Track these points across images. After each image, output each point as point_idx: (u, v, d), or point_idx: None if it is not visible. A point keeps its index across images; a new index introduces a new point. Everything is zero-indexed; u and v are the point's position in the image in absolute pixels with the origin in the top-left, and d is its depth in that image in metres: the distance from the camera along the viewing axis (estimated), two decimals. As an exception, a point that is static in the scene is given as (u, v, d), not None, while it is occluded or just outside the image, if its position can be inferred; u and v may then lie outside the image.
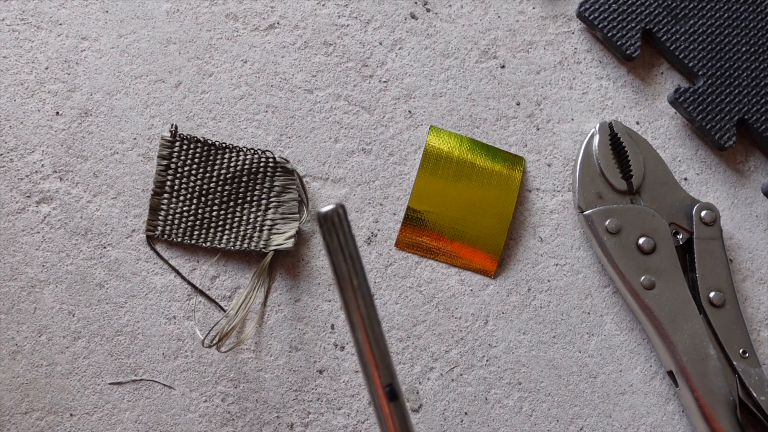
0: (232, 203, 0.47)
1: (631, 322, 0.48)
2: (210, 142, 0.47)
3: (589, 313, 0.48)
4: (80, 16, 0.49)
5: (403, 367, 0.47)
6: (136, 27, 0.49)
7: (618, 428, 0.47)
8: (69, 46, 0.49)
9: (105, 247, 0.47)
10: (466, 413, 0.47)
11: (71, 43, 0.49)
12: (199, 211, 0.47)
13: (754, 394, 0.45)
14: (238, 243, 0.47)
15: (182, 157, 0.47)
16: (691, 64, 0.49)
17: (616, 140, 0.48)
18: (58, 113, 0.48)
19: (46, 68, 0.48)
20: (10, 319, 0.46)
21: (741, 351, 0.46)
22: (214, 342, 0.44)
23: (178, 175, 0.47)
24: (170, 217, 0.47)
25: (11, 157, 0.47)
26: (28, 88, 0.48)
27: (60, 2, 0.49)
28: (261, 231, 0.47)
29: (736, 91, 0.49)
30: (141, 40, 0.49)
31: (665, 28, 0.49)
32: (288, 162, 0.47)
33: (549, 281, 0.48)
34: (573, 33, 0.50)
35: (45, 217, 0.47)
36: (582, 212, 0.47)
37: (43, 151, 0.47)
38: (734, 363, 0.45)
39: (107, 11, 0.49)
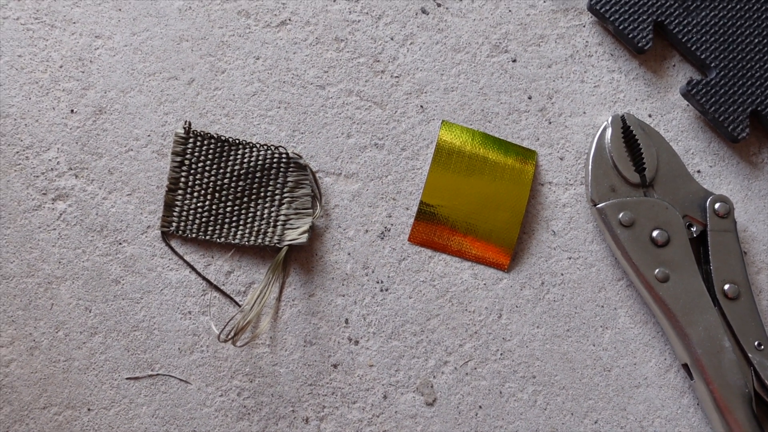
0: (245, 199, 0.48)
1: (645, 315, 0.48)
2: (223, 138, 0.48)
3: (602, 307, 0.48)
4: (94, 14, 0.49)
5: (418, 361, 0.47)
6: (148, 25, 0.49)
7: (632, 421, 0.47)
8: (83, 45, 0.49)
9: (120, 244, 0.47)
10: (480, 407, 0.47)
11: (85, 41, 0.49)
12: (213, 206, 0.47)
13: (770, 386, 0.45)
14: (252, 238, 0.47)
15: (196, 154, 0.47)
16: (703, 56, 0.49)
17: (628, 133, 0.48)
18: (72, 111, 0.48)
19: (61, 66, 0.49)
20: (28, 315, 0.47)
21: (756, 343, 0.46)
22: (230, 337, 0.45)
23: (192, 171, 0.47)
24: (185, 213, 0.47)
25: (27, 155, 0.48)
26: (43, 86, 0.48)
27: (73, 1, 0.49)
28: (275, 226, 0.47)
29: (749, 82, 0.49)
30: (154, 38, 0.49)
31: (677, 20, 0.49)
32: (301, 157, 0.48)
33: (562, 275, 0.48)
34: (584, 26, 0.50)
35: (61, 214, 0.47)
36: (595, 205, 0.47)
37: (58, 148, 0.48)
38: (749, 355, 0.45)
39: (120, 9, 0.49)
